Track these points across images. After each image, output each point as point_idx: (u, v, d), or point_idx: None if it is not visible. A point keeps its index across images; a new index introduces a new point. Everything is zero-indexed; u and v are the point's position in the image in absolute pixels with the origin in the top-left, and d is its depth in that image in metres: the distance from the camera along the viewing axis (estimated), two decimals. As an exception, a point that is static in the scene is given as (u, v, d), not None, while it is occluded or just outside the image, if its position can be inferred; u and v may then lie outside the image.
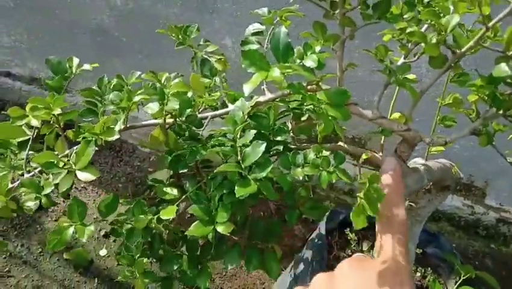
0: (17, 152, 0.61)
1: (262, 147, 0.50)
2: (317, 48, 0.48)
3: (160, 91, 0.60)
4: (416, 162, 0.78)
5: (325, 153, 0.57)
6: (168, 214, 0.63)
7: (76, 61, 0.71)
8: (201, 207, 0.58)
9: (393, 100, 0.64)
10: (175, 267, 0.67)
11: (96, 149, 0.58)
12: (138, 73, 0.70)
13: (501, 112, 0.45)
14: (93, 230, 0.58)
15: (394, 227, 0.35)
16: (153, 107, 0.61)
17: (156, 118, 0.61)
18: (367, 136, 1.49)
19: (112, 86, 0.68)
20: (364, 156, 0.53)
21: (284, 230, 0.69)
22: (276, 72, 0.39)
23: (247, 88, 0.40)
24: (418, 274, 1.02)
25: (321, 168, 0.56)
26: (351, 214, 0.42)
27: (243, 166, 0.50)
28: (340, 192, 1.67)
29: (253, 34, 0.65)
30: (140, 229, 0.64)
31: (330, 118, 0.46)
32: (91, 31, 1.59)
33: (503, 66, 0.39)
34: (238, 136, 0.53)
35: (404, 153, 0.54)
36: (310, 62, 0.45)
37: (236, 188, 0.49)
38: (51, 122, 0.62)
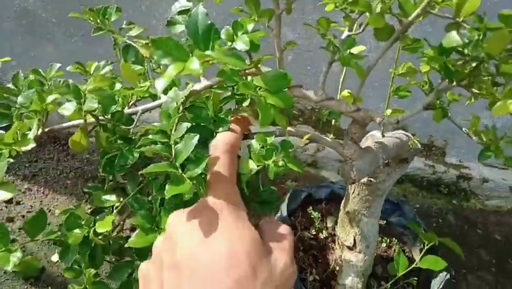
0: None
1: (195, 140, 0.44)
2: (250, 26, 0.40)
3: (74, 89, 0.51)
4: (373, 135, 0.73)
5: (270, 140, 0.51)
6: (104, 226, 0.57)
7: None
8: (142, 214, 0.52)
9: (342, 76, 0.59)
10: (125, 275, 0.62)
11: (11, 160, 0.51)
12: (58, 65, 0.60)
13: (454, 84, 0.40)
14: (20, 257, 0.51)
15: (216, 181, 0.36)
16: (70, 107, 0.52)
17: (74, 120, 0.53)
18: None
19: (28, 83, 0.59)
20: (304, 139, 0.47)
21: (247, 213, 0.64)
22: (194, 63, 0.32)
23: (159, 84, 0.33)
24: (384, 244, 1.01)
25: (267, 160, 0.50)
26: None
27: (177, 164, 0.44)
28: (303, 165, 1.64)
29: (180, 13, 0.56)
30: (75, 244, 0.58)
31: (269, 106, 0.39)
32: (14, 14, 1.42)
33: (454, 35, 0.33)
34: (173, 130, 0.46)
35: (356, 134, 0.49)
36: (241, 44, 0.38)
37: (167, 187, 0.43)
38: None
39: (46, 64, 0.61)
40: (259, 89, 0.40)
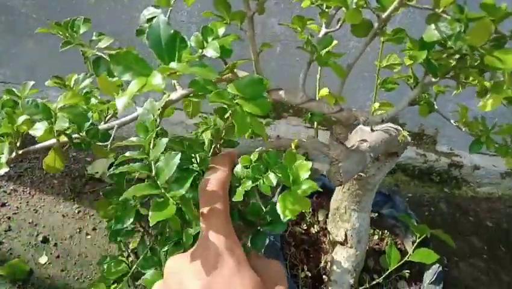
0: None
1: (177, 159, 0.40)
2: (220, 31, 0.38)
3: (44, 109, 0.48)
4: (362, 129, 0.72)
5: (254, 157, 0.48)
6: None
7: None
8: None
9: (318, 76, 0.57)
10: None
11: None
12: (31, 83, 0.56)
13: (438, 78, 0.38)
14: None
15: (211, 217, 0.35)
16: (40, 128, 0.49)
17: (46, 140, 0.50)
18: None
19: (1, 104, 0.55)
20: (293, 146, 0.45)
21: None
22: (156, 78, 0.29)
23: (120, 103, 0.30)
24: (376, 237, 1.00)
25: (256, 178, 0.47)
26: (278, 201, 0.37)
27: (158, 183, 0.41)
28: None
29: (149, 20, 0.54)
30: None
31: (246, 114, 0.36)
32: (-8, 9, 1.37)
33: (433, 28, 0.31)
34: (151, 146, 0.43)
35: (341, 134, 0.47)
36: (211, 51, 0.36)
37: (150, 213, 0.40)
38: None
39: (28, 61, 0.58)
40: (235, 97, 0.37)
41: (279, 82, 0.44)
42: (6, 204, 1.25)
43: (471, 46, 0.34)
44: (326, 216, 0.99)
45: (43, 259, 1.13)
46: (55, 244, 1.17)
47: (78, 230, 1.21)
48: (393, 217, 1.01)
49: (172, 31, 0.29)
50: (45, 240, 1.17)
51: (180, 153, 0.39)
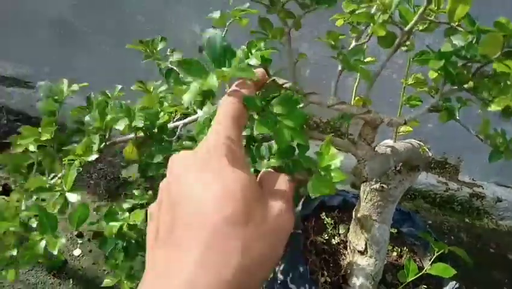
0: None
1: None
2: (262, 44, 0.46)
3: (126, 109, 0.61)
4: (386, 143, 0.77)
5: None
6: (136, 218, 0.63)
7: (65, 82, 0.72)
8: None
9: (355, 83, 0.63)
10: None
11: (80, 169, 0.61)
12: (119, 86, 0.72)
13: (456, 86, 0.44)
14: (64, 243, 0.57)
15: (220, 120, 0.35)
16: (122, 124, 0.61)
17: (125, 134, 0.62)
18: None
19: (96, 103, 0.68)
20: (325, 140, 0.51)
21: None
22: (212, 79, 0.36)
23: (186, 98, 0.38)
24: (395, 253, 1.03)
25: (286, 159, 0.54)
26: (308, 185, 0.42)
27: None
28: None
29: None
30: (111, 236, 0.64)
31: (286, 129, 0.42)
32: (50, 23, 1.52)
33: (450, 39, 0.38)
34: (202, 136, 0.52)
35: (368, 135, 0.53)
36: (254, 60, 0.44)
37: None
38: (46, 146, 0.64)
39: (79, 71, 0.71)
40: (276, 116, 0.43)
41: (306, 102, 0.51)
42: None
43: (484, 56, 0.39)
44: (347, 230, 1.04)
45: (77, 252, 1.20)
46: (89, 239, 1.25)
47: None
48: (413, 236, 1.04)
49: (224, 43, 0.37)
50: (80, 235, 1.26)
51: None
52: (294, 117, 0.41)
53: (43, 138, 0.61)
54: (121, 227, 0.64)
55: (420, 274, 0.82)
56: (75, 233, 1.25)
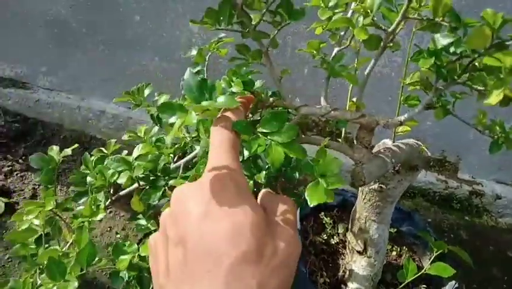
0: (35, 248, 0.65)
1: None
2: (243, 69, 0.46)
3: (124, 161, 0.63)
4: (384, 143, 0.77)
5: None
6: (147, 249, 0.63)
7: (56, 149, 0.73)
8: None
9: (349, 89, 0.63)
10: None
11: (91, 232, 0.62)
12: (114, 141, 0.74)
13: (448, 81, 0.44)
14: (76, 286, 0.57)
15: (217, 147, 0.35)
16: (124, 176, 0.63)
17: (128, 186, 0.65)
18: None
19: (94, 161, 0.69)
20: (321, 145, 0.51)
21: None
22: (192, 116, 0.35)
23: (168, 140, 0.38)
24: (394, 253, 1.03)
25: (283, 168, 0.54)
26: (306, 190, 0.42)
27: None
28: (316, 175, 1.67)
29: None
30: (123, 270, 0.64)
31: (277, 145, 0.41)
32: (47, 22, 1.51)
33: (438, 37, 0.37)
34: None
35: (364, 138, 0.53)
36: (236, 88, 0.43)
37: None
38: (52, 216, 0.65)
39: (75, 70, 0.71)
40: (266, 135, 0.42)
41: (306, 100, 0.51)
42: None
43: (473, 50, 0.38)
44: (346, 229, 1.03)
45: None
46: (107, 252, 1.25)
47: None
48: (412, 235, 1.04)
49: (199, 79, 0.37)
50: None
51: None
52: (285, 133, 0.40)
53: (47, 208, 0.62)
54: (132, 259, 0.64)
55: (419, 274, 0.82)
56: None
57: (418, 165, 0.76)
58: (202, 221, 0.28)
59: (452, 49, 0.37)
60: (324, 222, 1.03)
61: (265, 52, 0.45)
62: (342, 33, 0.51)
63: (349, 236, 0.90)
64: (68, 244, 0.61)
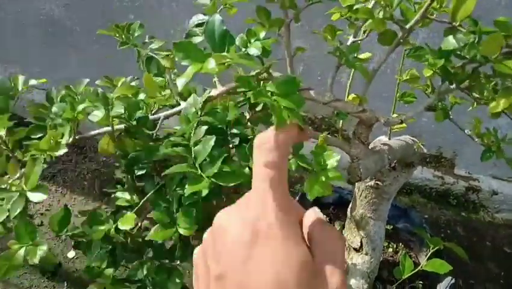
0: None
1: (212, 142, 0.48)
2: (261, 34, 0.45)
3: (103, 97, 0.56)
4: (380, 140, 0.77)
5: None
6: (126, 222, 0.60)
7: (21, 78, 0.67)
8: (161, 210, 0.56)
9: (349, 80, 0.62)
10: (143, 274, 0.65)
11: (45, 166, 0.55)
12: (87, 80, 0.66)
13: (454, 85, 0.44)
14: (45, 250, 0.54)
15: (266, 178, 0.31)
16: (98, 114, 0.57)
17: (103, 126, 0.58)
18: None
19: (60, 97, 0.65)
20: (320, 140, 0.50)
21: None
22: (211, 63, 0.35)
23: (180, 82, 0.37)
24: (391, 249, 1.03)
25: None
26: (305, 183, 0.41)
27: (196, 164, 0.48)
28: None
29: (197, 26, 0.61)
30: (98, 239, 0.61)
31: (282, 108, 0.42)
32: (40, 21, 1.50)
33: (451, 38, 0.37)
34: (192, 133, 0.51)
35: (362, 134, 0.52)
36: (254, 50, 0.42)
37: (187, 186, 0.47)
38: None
39: (69, 70, 0.67)
40: (272, 94, 0.43)
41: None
42: (40, 201, 1.34)
43: (484, 56, 0.39)
44: (342, 226, 1.03)
45: (71, 254, 1.19)
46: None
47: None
48: (408, 232, 1.04)
49: (224, 28, 0.36)
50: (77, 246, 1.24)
51: (215, 137, 0.47)
52: (293, 100, 0.40)
53: None
54: (108, 231, 0.62)
55: (416, 270, 0.82)
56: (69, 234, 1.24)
57: (414, 161, 0.76)
58: (244, 265, 0.27)
59: (463, 53, 0.37)
60: (320, 220, 1.02)
61: (288, 23, 0.44)
62: (360, 23, 0.50)
63: (346, 233, 0.90)
64: (13, 179, 0.54)
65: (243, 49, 0.42)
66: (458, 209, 1.66)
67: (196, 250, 0.32)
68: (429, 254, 0.84)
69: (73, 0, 1.43)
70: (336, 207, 1.09)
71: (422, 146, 0.70)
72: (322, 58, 1.46)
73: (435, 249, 0.85)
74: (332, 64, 0.48)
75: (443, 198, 1.67)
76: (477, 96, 0.48)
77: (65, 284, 1.11)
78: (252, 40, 0.42)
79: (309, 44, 1.43)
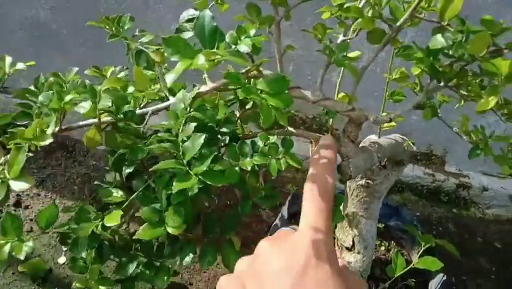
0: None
1: (201, 140, 0.48)
2: (252, 31, 0.44)
3: (90, 89, 0.55)
4: (370, 138, 0.77)
5: (272, 139, 0.55)
6: (112, 220, 0.59)
7: (8, 60, 0.65)
8: (149, 208, 0.55)
9: (339, 79, 0.62)
10: (131, 270, 0.64)
11: (30, 155, 0.54)
12: (76, 69, 0.65)
13: (442, 83, 0.44)
14: (31, 246, 0.53)
15: (317, 200, 0.33)
16: (85, 106, 0.56)
17: (89, 118, 0.57)
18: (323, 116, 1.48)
19: (48, 85, 0.63)
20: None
21: (251, 216, 0.66)
22: (200, 60, 0.35)
23: (169, 78, 0.36)
24: (383, 247, 1.03)
25: (269, 157, 0.53)
26: None
27: (184, 161, 0.47)
28: (304, 173, 1.67)
29: (188, 21, 0.61)
30: (85, 237, 0.60)
31: (270, 107, 0.42)
32: (26, 25, 1.48)
33: (439, 37, 0.37)
34: (180, 130, 0.50)
35: (352, 133, 0.52)
36: (244, 47, 0.42)
37: (174, 183, 0.47)
38: None
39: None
40: (261, 92, 0.43)
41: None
42: (29, 206, 1.32)
43: (471, 55, 0.39)
44: (335, 226, 1.03)
45: (62, 260, 1.18)
46: (74, 246, 1.22)
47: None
48: (400, 229, 1.04)
49: (214, 24, 0.36)
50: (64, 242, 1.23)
51: (205, 135, 0.46)
52: (282, 99, 0.40)
53: None
54: (95, 228, 0.61)
55: (408, 268, 0.82)
56: (58, 239, 1.23)
57: (404, 159, 0.76)
58: None
59: (451, 52, 0.37)
60: (313, 219, 1.02)
61: (279, 21, 0.43)
62: (350, 22, 0.50)
63: (338, 232, 0.90)
64: None
65: (233, 46, 0.41)
66: (449, 206, 1.67)
67: (222, 280, 0.32)
68: (420, 252, 0.85)
69: (59, 3, 1.42)
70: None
71: (412, 144, 0.70)
72: (312, 58, 1.46)
73: (426, 247, 0.85)
74: (322, 63, 0.48)
75: (434, 196, 1.68)
76: (464, 93, 0.49)
77: (56, 290, 1.09)
78: (242, 37, 0.41)
79: (299, 44, 1.43)
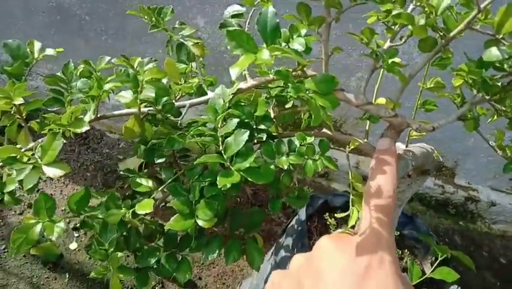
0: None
1: (245, 136, 0.48)
2: (303, 31, 0.44)
3: (134, 78, 0.55)
4: (398, 147, 0.77)
5: (309, 140, 0.55)
6: (144, 208, 0.60)
7: (37, 45, 0.65)
8: (181, 199, 0.55)
9: (377, 85, 0.63)
10: (153, 261, 0.64)
11: (64, 141, 0.54)
12: (108, 58, 0.65)
13: (488, 97, 0.44)
14: (63, 228, 0.54)
15: (379, 203, 0.34)
16: (127, 95, 0.56)
17: (129, 108, 0.57)
18: (342, 119, 1.48)
19: (79, 73, 0.63)
20: (351, 145, 0.50)
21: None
22: (265, 54, 0.36)
23: (233, 72, 0.37)
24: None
25: (306, 157, 0.54)
26: None
27: (225, 156, 0.48)
28: (315, 176, 1.67)
29: (233, 16, 0.61)
30: (114, 223, 0.60)
31: (319, 107, 0.43)
32: (49, 9, 1.48)
33: (494, 50, 0.37)
34: (219, 125, 0.50)
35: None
36: (297, 45, 0.42)
37: (218, 178, 0.47)
38: (12, 112, 0.57)
39: (76, 59, 0.66)
40: (308, 91, 0.44)
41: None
42: (42, 191, 1.32)
43: None
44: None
45: (73, 246, 1.18)
46: (85, 233, 1.23)
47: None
48: (413, 238, 1.04)
49: (277, 21, 0.36)
50: (76, 228, 1.23)
51: (248, 131, 0.46)
52: (329, 99, 0.41)
53: (16, 101, 0.52)
54: (124, 215, 0.61)
55: (424, 278, 0.82)
56: (71, 226, 1.23)
57: (430, 169, 0.76)
58: None
59: (505, 65, 0.37)
60: (328, 223, 1.03)
61: (330, 22, 0.44)
62: (398, 28, 0.50)
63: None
64: (26, 148, 0.52)
65: (284, 44, 0.42)
66: (456, 218, 1.68)
67: (274, 276, 0.32)
68: (437, 262, 0.85)
69: (84, -11, 1.42)
70: (343, 211, 1.10)
71: (439, 155, 0.70)
72: (332, 62, 1.46)
73: (443, 257, 0.85)
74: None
75: (442, 207, 1.69)
76: (503, 108, 0.49)
77: (67, 276, 1.09)
78: (295, 36, 0.42)
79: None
